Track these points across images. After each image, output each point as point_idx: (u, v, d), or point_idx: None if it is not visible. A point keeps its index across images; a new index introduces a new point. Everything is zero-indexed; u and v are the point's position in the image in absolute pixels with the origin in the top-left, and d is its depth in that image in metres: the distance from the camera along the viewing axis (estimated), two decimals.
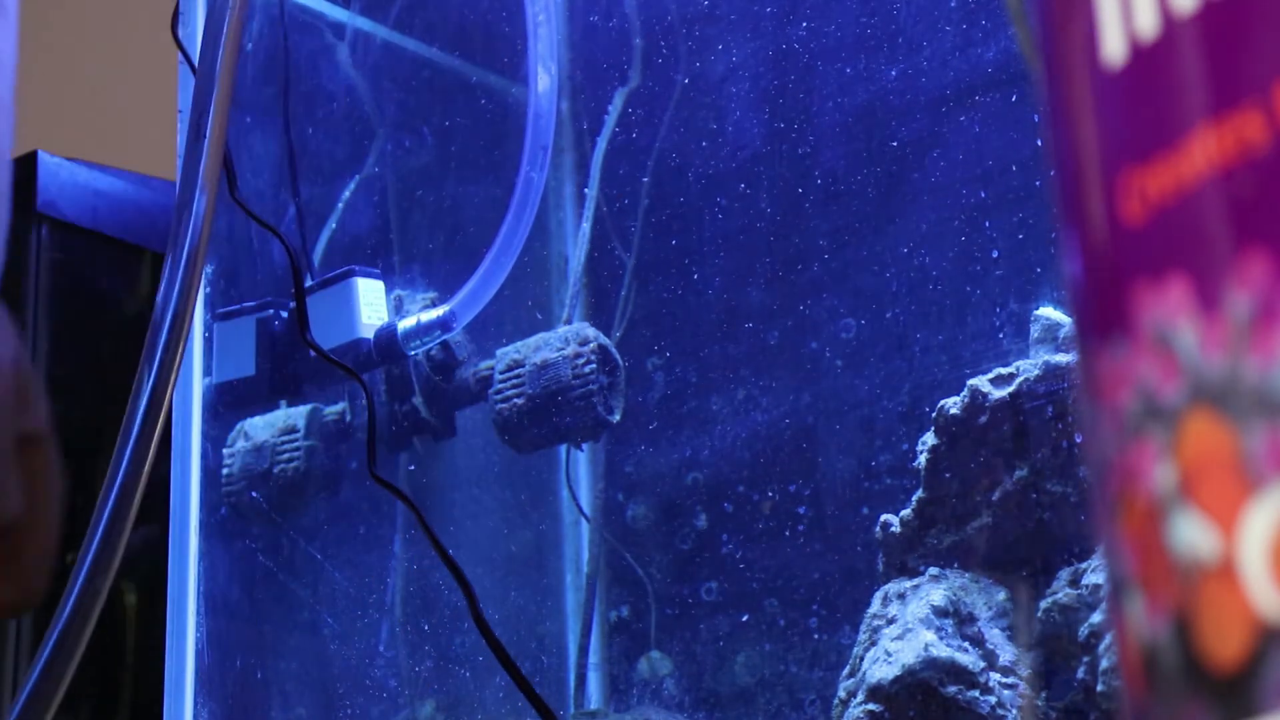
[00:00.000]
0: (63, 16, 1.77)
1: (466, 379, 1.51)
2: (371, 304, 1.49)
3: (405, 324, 1.47)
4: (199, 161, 1.18)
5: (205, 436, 1.56)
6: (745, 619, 1.40)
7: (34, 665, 1.04)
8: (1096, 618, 1.07)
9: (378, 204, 1.64)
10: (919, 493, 1.20)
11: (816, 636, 1.33)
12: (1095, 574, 1.09)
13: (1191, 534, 0.24)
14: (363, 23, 1.60)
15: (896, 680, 1.12)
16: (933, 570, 1.18)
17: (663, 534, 1.48)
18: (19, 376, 0.49)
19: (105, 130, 1.71)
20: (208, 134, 1.19)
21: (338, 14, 1.60)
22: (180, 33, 1.41)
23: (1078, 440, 1.11)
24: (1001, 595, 1.16)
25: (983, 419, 1.16)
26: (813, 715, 1.29)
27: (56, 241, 1.45)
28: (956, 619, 1.14)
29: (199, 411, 1.56)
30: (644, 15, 1.49)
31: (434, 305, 1.49)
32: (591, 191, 1.53)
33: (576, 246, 1.57)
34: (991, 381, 1.16)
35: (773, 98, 1.41)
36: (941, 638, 1.12)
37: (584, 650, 1.52)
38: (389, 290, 1.52)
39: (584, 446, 1.52)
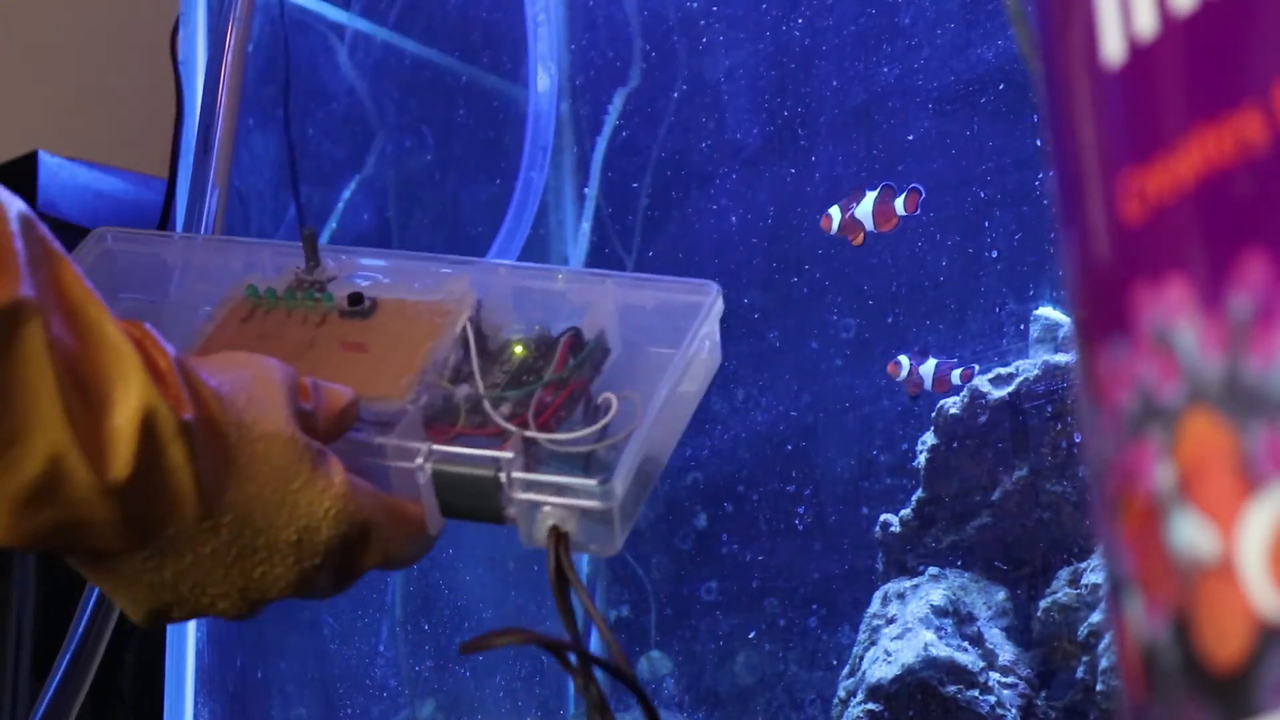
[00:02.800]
0: (63, 17, 1.77)
1: None
2: None
3: None
4: (209, 168, 1.19)
5: None
6: (752, 634, 1.40)
7: (53, 674, 1.04)
8: (1096, 618, 1.07)
9: (378, 204, 1.64)
10: (919, 493, 1.20)
11: (817, 636, 1.33)
12: (1095, 574, 1.09)
13: (1191, 534, 0.24)
14: (362, 24, 1.60)
15: (896, 680, 1.12)
16: (933, 570, 1.18)
17: (663, 534, 1.48)
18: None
19: (105, 130, 1.71)
20: (215, 144, 1.20)
21: (338, 15, 1.60)
22: (181, 33, 1.41)
23: (1077, 440, 1.11)
24: (1001, 595, 1.16)
25: (983, 419, 1.16)
26: (813, 715, 1.29)
27: None
28: (956, 619, 1.14)
29: None
30: (644, 15, 1.49)
31: None
32: (591, 191, 1.53)
33: (576, 246, 1.57)
34: (991, 381, 1.16)
35: (773, 97, 1.41)
36: (941, 637, 1.12)
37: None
38: None
39: None
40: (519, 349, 0.62)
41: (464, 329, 0.61)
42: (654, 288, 0.62)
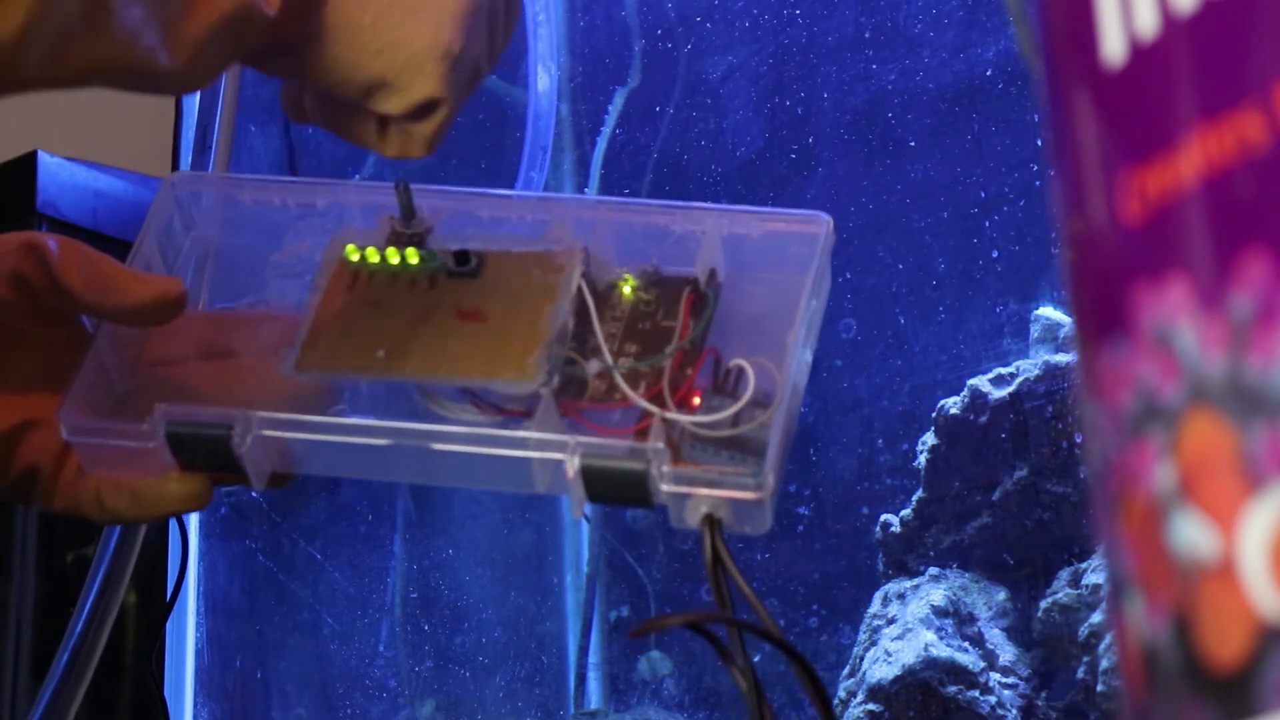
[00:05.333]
0: None
1: None
2: None
3: None
4: (208, 167, 1.19)
5: None
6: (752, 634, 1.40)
7: (51, 673, 1.04)
8: (1096, 618, 1.07)
9: None
10: (919, 493, 1.20)
11: (817, 636, 1.33)
12: (1095, 574, 1.09)
13: (1191, 534, 0.24)
14: None
15: (896, 680, 1.12)
16: (933, 570, 1.18)
17: (663, 534, 1.48)
18: None
19: (105, 130, 1.71)
20: (214, 144, 1.20)
21: None
22: None
23: (1078, 440, 1.11)
24: (1001, 595, 1.16)
25: (983, 419, 1.16)
26: (813, 715, 1.29)
27: None
28: (956, 619, 1.14)
29: None
30: (644, 15, 1.49)
31: None
32: (591, 191, 1.52)
33: None
34: (991, 381, 1.16)
35: (772, 97, 1.41)
36: (941, 638, 1.12)
37: (584, 650, 1.52)
38: None
39: None
40: (627, 289, 0.60)
41: (580, 288, 0.59)
42: (759, 218, 0.61)
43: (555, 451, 0.56)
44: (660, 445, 0.55)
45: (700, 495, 0.55)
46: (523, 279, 0.60)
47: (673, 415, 0.56)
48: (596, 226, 0.61)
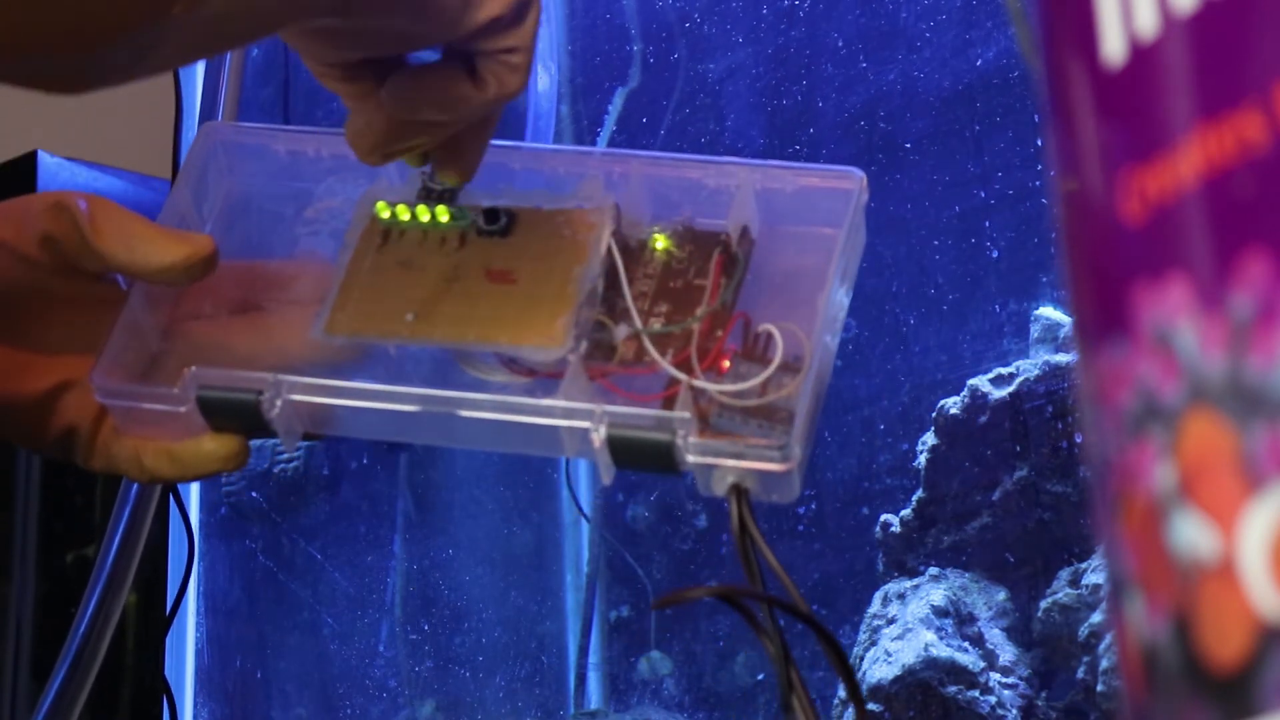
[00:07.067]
0: None
1: None
2: None
3: None
4: None
5: None
6: (752, 634, 1.40)
7: (54, 675, 1.04)
8: (1096, 618, 1.07)
9: None
10: (919, 493, 1.20)
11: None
12: (1095, 574, 1.09)
13: (1191, 534, 0.24)
14: None
15: (896, 680, 1.12)
16: (933, 570, 1.18)
17: (663, 534, 1.48)
18: None
19: (105, 130, 1.71)
20: None
21: None
22: None
23: (1078, 440, 1.11)
24: (1001, 595, 1.16)
25: (983, 419, 1.16)
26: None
27: None
28: (956, 619, 1.14)
29: None
30: (644, 15, 1.49)
31: None
32: None
33: None
34: (991, 381, 1.16)
35: (772, 97, 1.41)
36: (941, 638, 1.12)
37: (584, 650, 1.52)
38: None
39: None
40: (660, 243, 0.59)
41: (609, 249, 0.59)
42: (793, 172, 0.60)
43: (582, 420, 0.55)
44: (686, 415, 0.55)
45: (726, 466, 0.55)
46: (552, 238, 0.60)
47: (700, 383, 0.56)
48: (629, 180, 0.61)
